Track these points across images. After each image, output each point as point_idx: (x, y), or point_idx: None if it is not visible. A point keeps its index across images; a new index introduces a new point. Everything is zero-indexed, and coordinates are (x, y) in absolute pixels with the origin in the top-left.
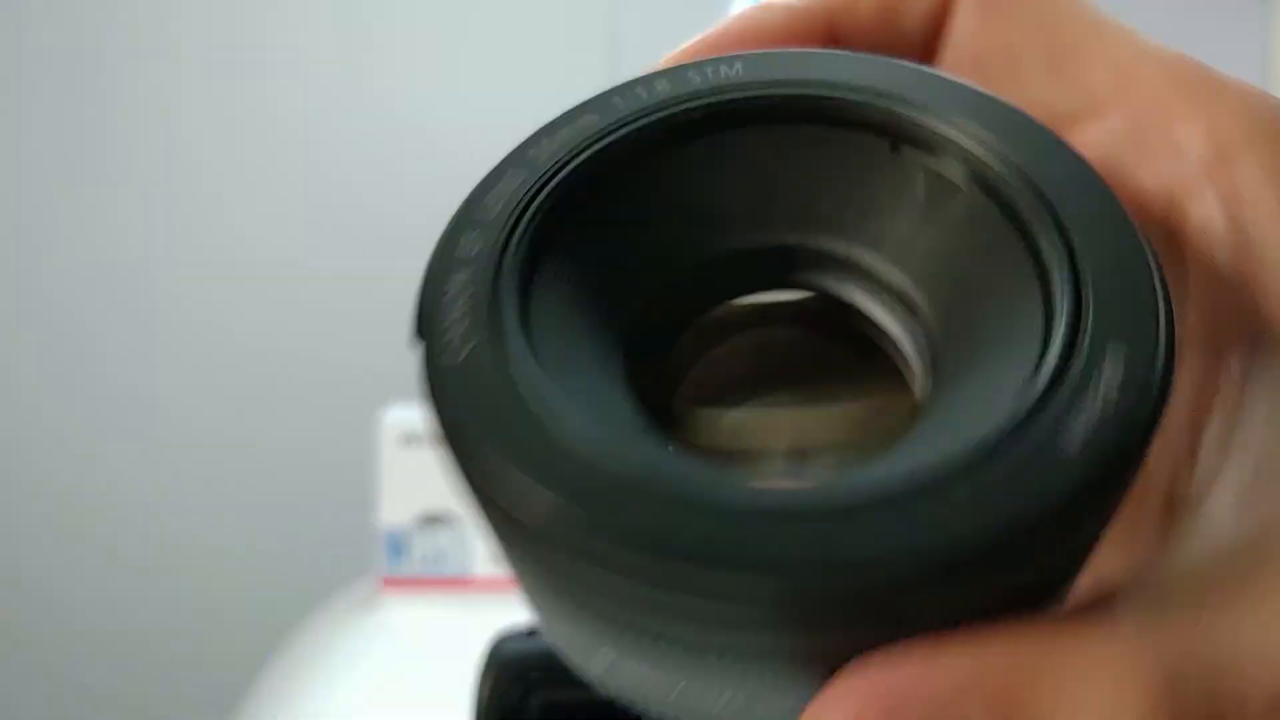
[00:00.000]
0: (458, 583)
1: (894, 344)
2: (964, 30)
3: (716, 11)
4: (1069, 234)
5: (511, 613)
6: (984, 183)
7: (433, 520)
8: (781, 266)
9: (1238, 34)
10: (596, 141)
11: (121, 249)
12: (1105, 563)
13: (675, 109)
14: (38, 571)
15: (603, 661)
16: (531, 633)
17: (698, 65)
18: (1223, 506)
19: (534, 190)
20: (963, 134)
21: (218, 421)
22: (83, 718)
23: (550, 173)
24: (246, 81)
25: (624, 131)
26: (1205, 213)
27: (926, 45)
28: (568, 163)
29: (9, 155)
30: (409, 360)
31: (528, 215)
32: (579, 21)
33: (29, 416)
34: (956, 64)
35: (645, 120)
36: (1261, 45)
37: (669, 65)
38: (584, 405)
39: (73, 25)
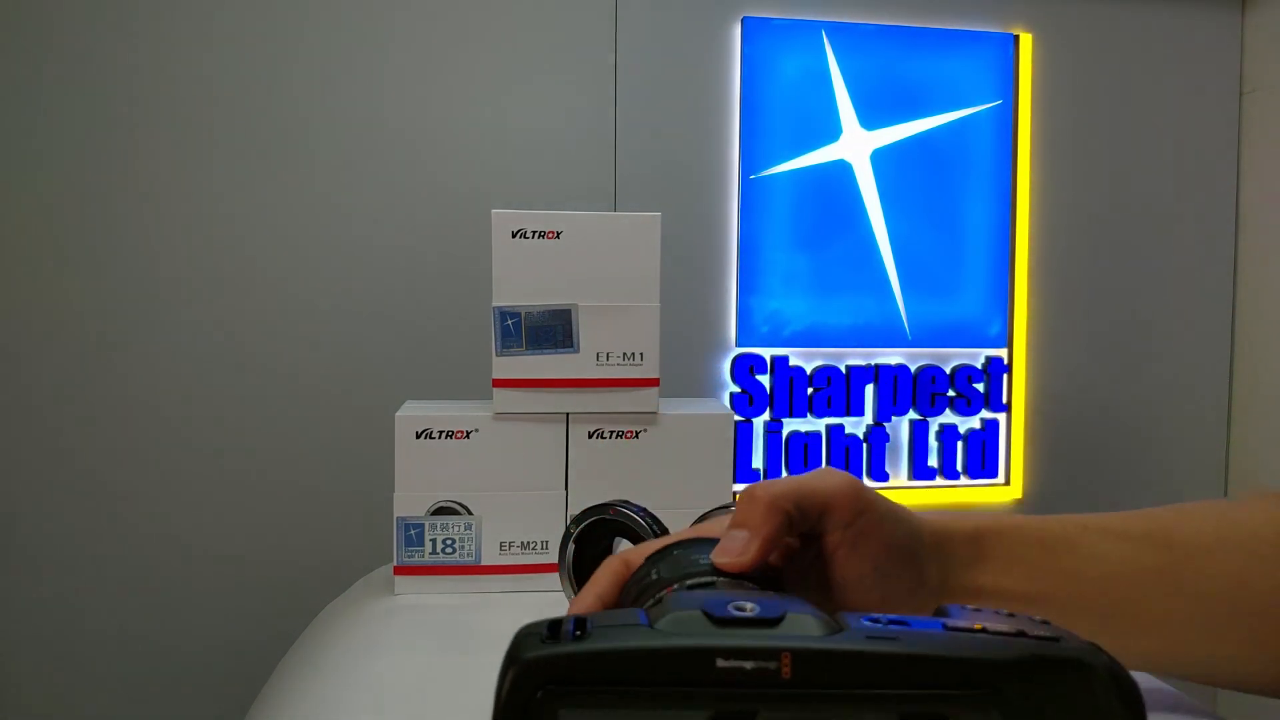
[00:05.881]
0: (468, 570)
1: None
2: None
3: (709, 28)
4: None
5: (518, 601)
6: None
7: (444, 511)
8: None
9: (1215, 38)
10: None
11: (172, 263)
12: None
13: None
14: (103, 556)
15: None
16: (552, 627)
17: None
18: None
19: None
20: None
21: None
22: (135, 687)
23: None
24: (272, 100)
25: None
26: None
27: None
28: None
29: (43, 166)
30: (422, 363)
31: None
32: (584, 46)
33: (105, 418)
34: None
35: None
36: (1237, 49)
37: None
38: None
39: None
